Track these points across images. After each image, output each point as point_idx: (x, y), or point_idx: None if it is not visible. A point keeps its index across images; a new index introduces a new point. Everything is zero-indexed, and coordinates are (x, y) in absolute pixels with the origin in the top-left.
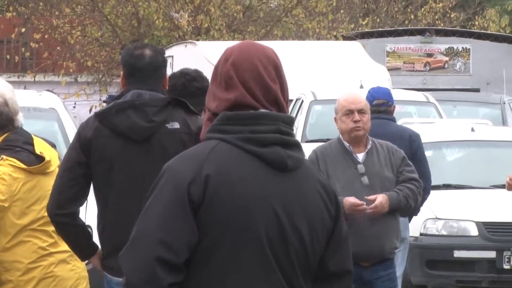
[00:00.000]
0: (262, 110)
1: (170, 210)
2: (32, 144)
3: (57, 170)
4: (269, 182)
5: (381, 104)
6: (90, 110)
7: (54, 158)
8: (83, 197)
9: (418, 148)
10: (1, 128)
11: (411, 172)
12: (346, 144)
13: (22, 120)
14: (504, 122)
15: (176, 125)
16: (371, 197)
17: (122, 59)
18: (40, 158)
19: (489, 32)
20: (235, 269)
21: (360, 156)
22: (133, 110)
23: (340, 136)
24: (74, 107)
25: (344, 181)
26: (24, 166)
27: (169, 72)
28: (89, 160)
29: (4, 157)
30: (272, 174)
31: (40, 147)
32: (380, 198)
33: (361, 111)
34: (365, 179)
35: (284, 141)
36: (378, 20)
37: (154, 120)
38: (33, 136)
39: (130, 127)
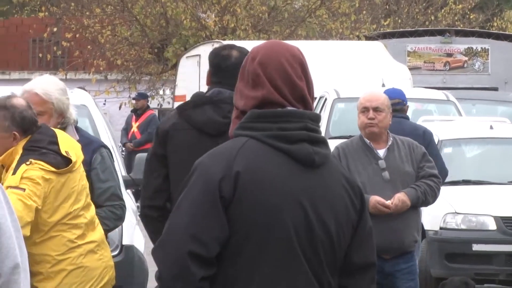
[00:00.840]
0: (290, 108)
1: (202, 206)
2: (57, 143)
3: (81, 166)
4: (297, 178)
5: (396, 104)
6: (120, 107)
7: (78, 154)
8: (167, 190)
9: (430, 143)
10: (24, 131)
11: (431, 168)
12: (367, 140)
13: (74, 115)
14: None
15: None
16: (393, 203)
17: (209, 58)
18: (66, 159)
19: (507, 33)
20: (263, 263)
21: (381, 152)
22: (210, 105)
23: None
24: (104, 104)
25: (365, 177)
26: (53, 169)
27: (196, 70)
28: (165, 152)
29: (33, 161)
30: (300, 170)
31: (64, 144)
32: (400, 196)
33: (376, 109)
34: (386, 174)
35: (311, 137)
36: (399, 21)
37: (229, 117)
38: (56, 131)
39: (206, 122)
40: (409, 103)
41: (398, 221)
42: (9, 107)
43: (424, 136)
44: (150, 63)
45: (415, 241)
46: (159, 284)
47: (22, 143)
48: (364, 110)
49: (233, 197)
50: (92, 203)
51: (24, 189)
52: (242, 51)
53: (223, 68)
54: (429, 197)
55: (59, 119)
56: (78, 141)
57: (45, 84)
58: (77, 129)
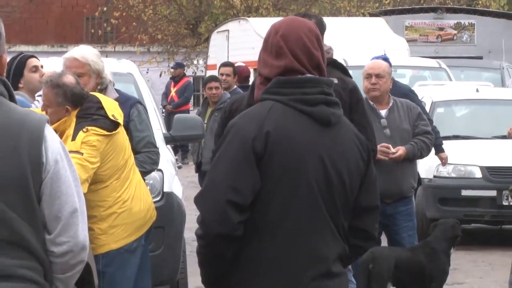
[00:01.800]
0: (309, 75)
1: (238, 161)
2: (103, 107)
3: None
4: (316, 135)
5: None
6: (160, 75)
7: (119, 112)
8: None
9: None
10: (75, 104)
11: (425, 125)
12: (371, 102)
13: (110, 77)
14: (503, 84)
15: (335, 81)
16: (396, 155)
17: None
18: (114, 121)
19: (490, 10)
20: (291, 210)
21: (383, 112)
22: None
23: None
24: (147, 72)
25: None
26: (106, 133)
27: (225, 43)
28: None
29: (88, 127)
30: (319, 129)
31: (109, 107)
32: (401, 151)
33: (378, 76)
34: (387, 131)
35: (328, 100)
36: (398, 0)
37: None
38: (98, 96)
39: None
40: (406, 70)
41: (397, 171)
42: (61, 85)
43: (412, 94)
44: (186, 37)
45: (412, 187)
46: (201, 227)
47: (75, 112)
48: (368, 76)
49: (264, 153)
50: (132, 154)
51: (82, 153)
52: (319, 19)
53: None
54: (424, 152)
55: (97, 79)
56: (117, 98)
57: (82, 50)
58: (115, 89)
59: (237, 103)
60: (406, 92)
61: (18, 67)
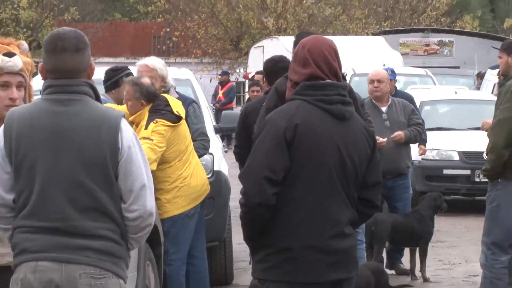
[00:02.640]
0: (328, 81)
1: (272, 147)
2: (169, 105)
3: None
4: (334, 128)
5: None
6: (210, 80)
7: (182, 110)
8: None
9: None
10: (149, 100)
11: (418, 119)
12: (374, 101)
13: (172, 82)
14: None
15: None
16: (396, 133)
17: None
18: (177, 116)
19: (466, 30)
20: (313, 186)
21: (384, 109)
22: None
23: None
24: (200, 78)
25: (374, 125)
26: (171, 124)
27: (260, 56)
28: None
29: (158, 120)
30: (336, 123)
31: (174, 105)
32: (402, 134)
33: (379, 81)
34: (387, 123)
35: (343, 100)
36: (394, 23)
37: None
38: (166, 97)
39: None
40: (400, 77)
41: (396, 153)
42: (139, 84)
43: (411, 98)
44: (230, 52)
45: (408, 167)
46: (243, 198)
47: (148, 107)
48: (371, 81)
49: (293, 141)
50: (191, 141)
51: (152, 140)
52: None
53: None
54: (417, 137)
55: (161, 83)
56: (178, 98)
57: (151, 60)
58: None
59: (251, 107)
60: (410, 98)
61: (118, 80)
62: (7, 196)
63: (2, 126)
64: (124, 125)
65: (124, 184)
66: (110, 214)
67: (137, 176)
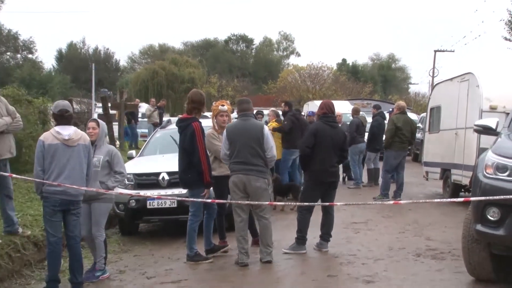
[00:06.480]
0: (331, 114)
1: (310, 136)
2: None
3: None
4: (332, 132)
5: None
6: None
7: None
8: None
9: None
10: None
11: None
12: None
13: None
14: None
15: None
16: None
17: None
18: None
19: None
20: (322, 149)
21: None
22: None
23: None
24: None
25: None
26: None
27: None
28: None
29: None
30: (332, 129)
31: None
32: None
33: (337, 116)
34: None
35: (335, 121)
36: (349, 95)
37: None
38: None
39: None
40: (346, 113)
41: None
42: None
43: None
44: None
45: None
46: (299, 148)
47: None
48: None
49: (316, 135)
50: None
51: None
52: (286, 102)
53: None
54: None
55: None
56: None
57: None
58: None
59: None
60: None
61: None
62: (228, 152)
63: (225, 131)
64: (265, 128)
65: (266, 148)
66: (263, 158)
67: (272, 147)
